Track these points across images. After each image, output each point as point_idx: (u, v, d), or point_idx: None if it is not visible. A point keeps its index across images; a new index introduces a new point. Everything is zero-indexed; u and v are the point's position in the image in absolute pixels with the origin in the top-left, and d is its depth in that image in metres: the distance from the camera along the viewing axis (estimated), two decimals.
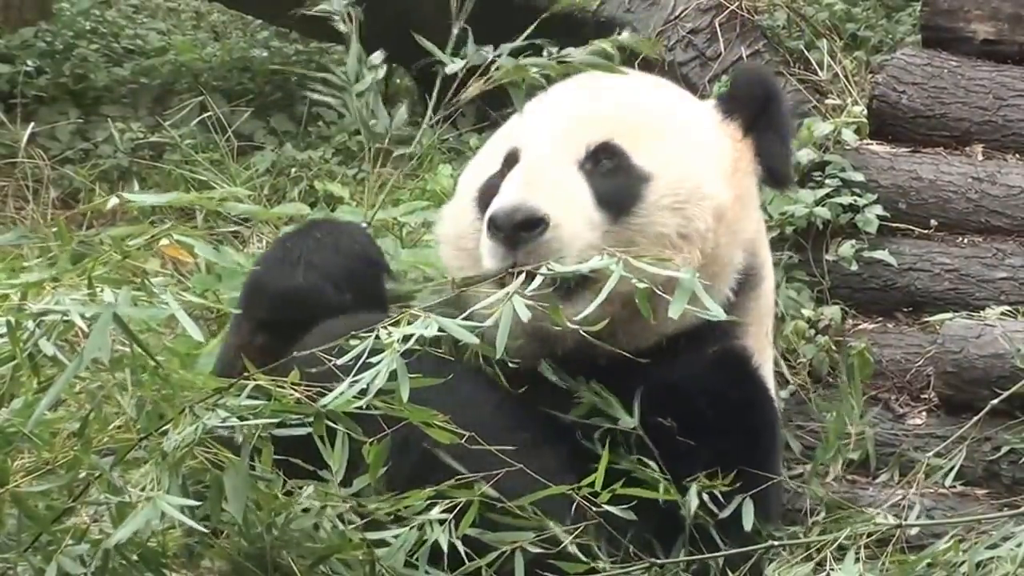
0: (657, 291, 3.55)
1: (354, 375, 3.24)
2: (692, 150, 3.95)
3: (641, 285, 3.41)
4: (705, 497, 3.81)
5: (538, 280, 3.42)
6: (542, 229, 3.70)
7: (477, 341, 3.27)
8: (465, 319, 3.31)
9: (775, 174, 4.16)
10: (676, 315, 3.45)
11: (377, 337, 3.24)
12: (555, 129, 3.97)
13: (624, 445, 3.78)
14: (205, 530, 3.26)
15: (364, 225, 4.12)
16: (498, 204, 3.73)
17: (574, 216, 3.77)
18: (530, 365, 3.83)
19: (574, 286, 3.68)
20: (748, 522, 3.87)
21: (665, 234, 3.79)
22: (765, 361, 4.19)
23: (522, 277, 3.39)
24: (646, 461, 3.76)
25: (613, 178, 3.88)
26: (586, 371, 3.83)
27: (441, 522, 3.37)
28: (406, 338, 3.21)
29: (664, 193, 3.84)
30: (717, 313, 3.47)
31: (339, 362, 3.28)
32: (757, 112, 4.09)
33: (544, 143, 3.95)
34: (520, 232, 3.69)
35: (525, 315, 3.32)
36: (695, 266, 3.82)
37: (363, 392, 3.20)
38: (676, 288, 3.42)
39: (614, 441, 3.75)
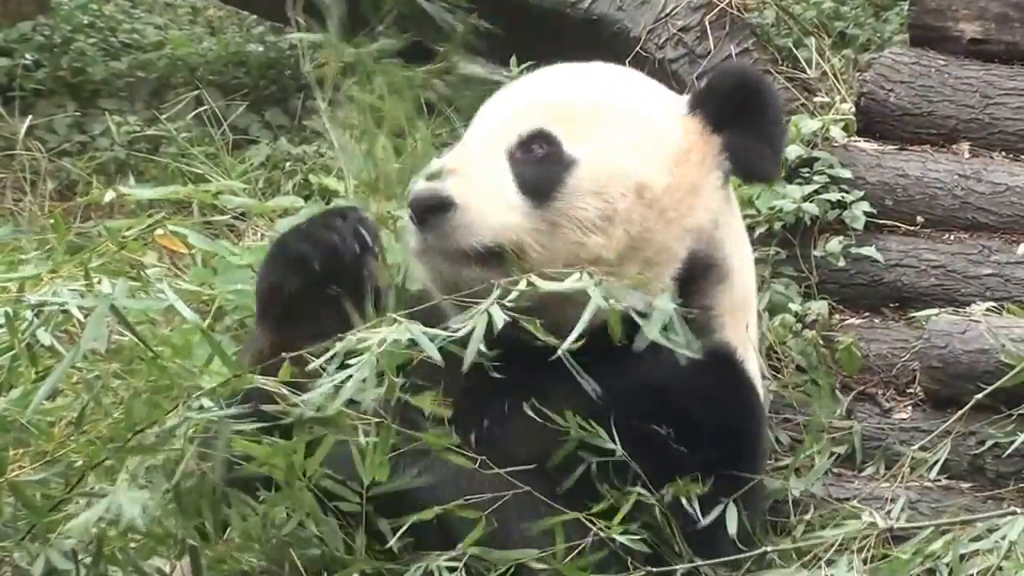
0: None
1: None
2: (628, 137, 4.02)
3: (618, 307, 3.49)
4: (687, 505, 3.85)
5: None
6: (450, 211, 3.81)
7: (440, 360, 3.33)
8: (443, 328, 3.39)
9: (750, 170, 4.22)
10: (641, 345, 3.55)
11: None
12: (494, 117, 4.09)
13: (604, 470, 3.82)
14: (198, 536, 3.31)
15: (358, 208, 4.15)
16: (413, 189, 3.85)
17: (487, 199, 3.87)
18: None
19: (490, 257, 3.78)
20: (732, 526, 3.91)
21: (586, 217, 3.89)
22: (748, 356, 4.22)
23: (498, 291, 3.45)
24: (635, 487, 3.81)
25: (540, 165, 3.99)
26: (557, 367, 3.82)
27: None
28: (380, 343, 3.29)
29: (585, 177, 3.95)
30: (683, 349, 3.54)
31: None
32: (730, 108, 4.13)
33: (480, 131, 4.07)
34: (428, 215, 3.82)
35: (501, 320, 3.39)
36: (621, 248, 3.90)
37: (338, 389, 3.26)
38: (653, 312, 3.51)
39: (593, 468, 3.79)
